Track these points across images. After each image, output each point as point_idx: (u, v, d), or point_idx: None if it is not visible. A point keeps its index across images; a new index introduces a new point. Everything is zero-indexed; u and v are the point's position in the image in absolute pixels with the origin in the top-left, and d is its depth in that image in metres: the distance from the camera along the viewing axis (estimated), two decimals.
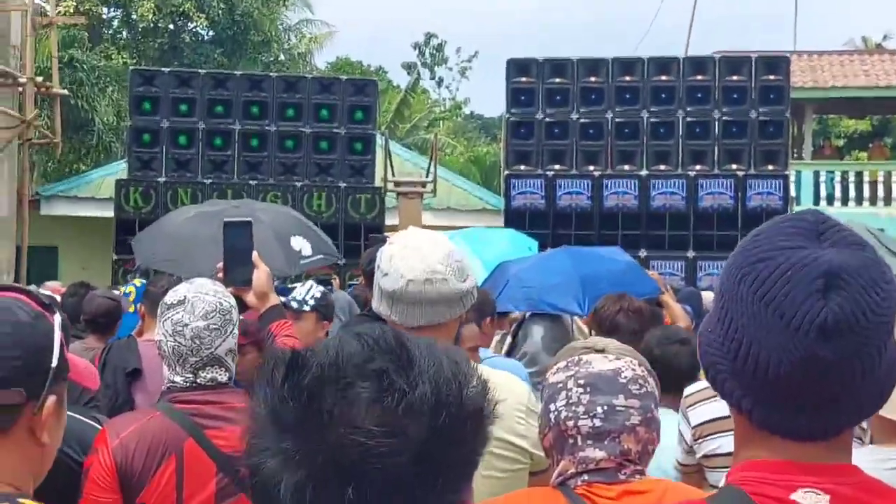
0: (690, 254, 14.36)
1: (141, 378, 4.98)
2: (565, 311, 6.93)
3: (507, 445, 2.83)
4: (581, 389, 2.29)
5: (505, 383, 2.91)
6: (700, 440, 3.95)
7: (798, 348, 1.49)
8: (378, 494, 1.15)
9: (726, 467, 1.86)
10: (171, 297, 3.29)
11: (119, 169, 19.04)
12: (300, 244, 7.10)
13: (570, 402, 2.29)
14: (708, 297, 11.19)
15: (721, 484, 3.87)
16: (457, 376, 1.22)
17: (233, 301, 3.36)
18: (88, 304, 6.73)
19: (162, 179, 14.43)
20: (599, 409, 2.27)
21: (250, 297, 3.68)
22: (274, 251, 6.36)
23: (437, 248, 2.86)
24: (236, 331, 3.31)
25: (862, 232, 10.94)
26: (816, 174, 23.02)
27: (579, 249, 8.72)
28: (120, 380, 4.96)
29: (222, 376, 3.24)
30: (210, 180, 14.49)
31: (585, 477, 2.27)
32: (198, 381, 3.21)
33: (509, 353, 6.64)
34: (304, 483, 1.15)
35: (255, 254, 3.70)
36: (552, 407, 2.32)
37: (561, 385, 2.32)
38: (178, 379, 3.23)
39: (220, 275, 3.64)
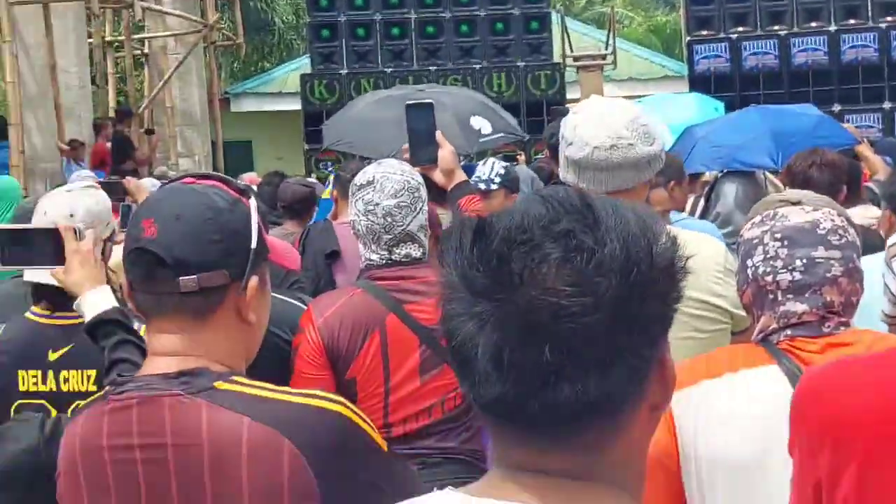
0: (887, 105, 13.86)
1: (340, 259, 5.10)
2: (758, 166, 6.77)
3: (706, 306, 2.81)
4: (778, 243, 2.24)
5: (698, 243, 2.88)
6: None
7: None
8: (573, 353, 1.16)
9: None
10: (360, 178, 3.36)
11: (302, 64, 19.36)
12: (480, 123, 7.15)
13: (768, 256, 2.25)
14: None
15: None
16: (645, 233, 1.21)
17: (420, 179, 3.41)
18: (284, 192, 6.96)
19: (344, 72, 14.63)
20: (798, 262, 2.22)
21: (437, 175, 3.72)
22: (453, 131, 6.41)
23: (621, 114, 2.84)
24: (426, 207, 3.36)
25: None
26: None
27: (769, 107, 8.48)
28: (320, 262, 5.08)
29: (416, 252, 3.30)
30: (391, 69, 14.61)
31: (788, 332, 2.23)
32: (393, 257, 3.28)
33: (703, 216, 6.55)
34: (501, 345, 1.16)
35: (438, 133, 3.75)
36: (749, 263, 2.28)
37: (757, 240, 2.28)
38: (374, 257, 3.30)
39: (407, 156, 3.70)
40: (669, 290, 1.23)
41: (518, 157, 11.66)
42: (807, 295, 2.22)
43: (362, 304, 3.25)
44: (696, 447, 2.19)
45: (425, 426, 3.26)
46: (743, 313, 2.60)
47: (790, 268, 2.23)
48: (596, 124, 2.82)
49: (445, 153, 3.73)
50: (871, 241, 4.45)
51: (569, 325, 1.15)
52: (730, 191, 6.55)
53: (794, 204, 2.29)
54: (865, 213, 5.50)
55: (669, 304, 1.23)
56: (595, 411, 1.18)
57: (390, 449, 1.92)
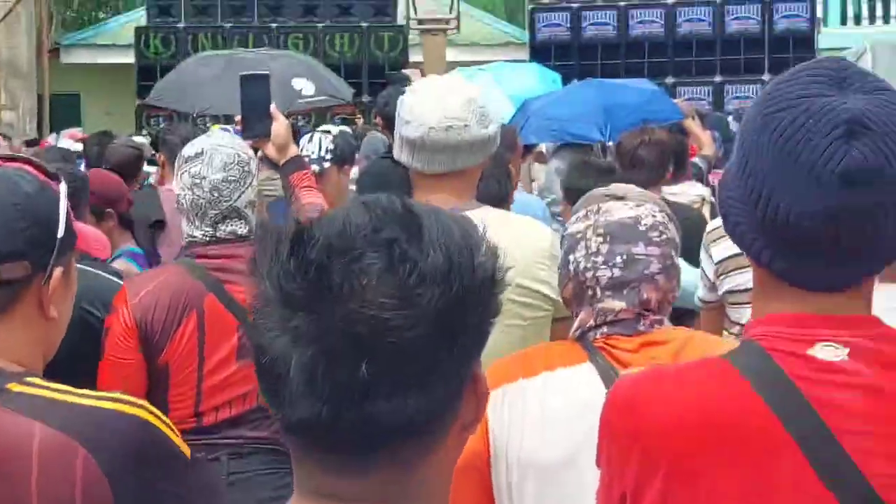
0: (718, 78, 14.26)
1: (165, 230, 4.97)
2: (586, 138, 6.97)
3: (529, 292, 2.81)
4: (600, 239, 2.25)
5: (525, 229, 2.92)
6: (723, 276, 3.93)
7: (820, 196, 1.46)
8: (392, 368, 1.12)
9: (747, 303, 1.85)
10: (188, 149, 3.25)
11: (138, 16, 18.85)
12: (302, 84, 7.23)
13: (590, 252, 2.25)
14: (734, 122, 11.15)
15: (743, 321, 3.89)
16: (468, 243, 1.18)
17: (251, 153, 3.33)
18: (111, 153, 6.76)
19: (181, 25, 14.30)
20: (618, 259, 2.23)
21: (269, 149, 3.67)
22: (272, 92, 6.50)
23: (458, 95, 2.83)
24: (255, 182, 3.28)
25: (890, 52, 10.76)
26: None
27: (603, 81, 8.80)
28: (143, 234, 4.95)
29: (242, 229, 3.20)
30: (230, 24, 14.34)
31: (604, 329, 2.23)
32: (217, 234, 3.18)
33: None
34: (316, 360, 1.12)
35: (272, 106, 3.69)
36: (571, 258, 2.28)
37: (580, 235, 2.28)
38: (197, 233, 3.20)
39: (239, 127, 3.63)
40: (489, 303, 1.19)
41: (357, 119, 11.60)
42: (625, 292, 2.23)
43: (180, 283, 3.13)
44: (509, 447, 2.20)
45: (239, 414, 3.15)
46: None
47: (610, 264, 2.23)
48: (433, 105, 2.81)
49: (279, 127, 3.67)
50: (693, 221, 4.55)
51: (389, 339, 1.11)
52: (554, 163, 6.67)
53: (618, 199, 2.30)
54: (690, 191, 5.63)
55: (488, 317, 1.20)
56: (410, 430, 1.14)
57: (193, 455, 1.85)
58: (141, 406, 1.76)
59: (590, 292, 2.25)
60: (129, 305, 3.09)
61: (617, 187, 2.38)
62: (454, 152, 2.81)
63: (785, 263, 1.53)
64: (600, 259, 2.24)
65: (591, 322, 2.25)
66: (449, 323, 1.14)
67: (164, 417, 1.79)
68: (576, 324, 2.29)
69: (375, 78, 13.96)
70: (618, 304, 2.23)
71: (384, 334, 1.11)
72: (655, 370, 1.68)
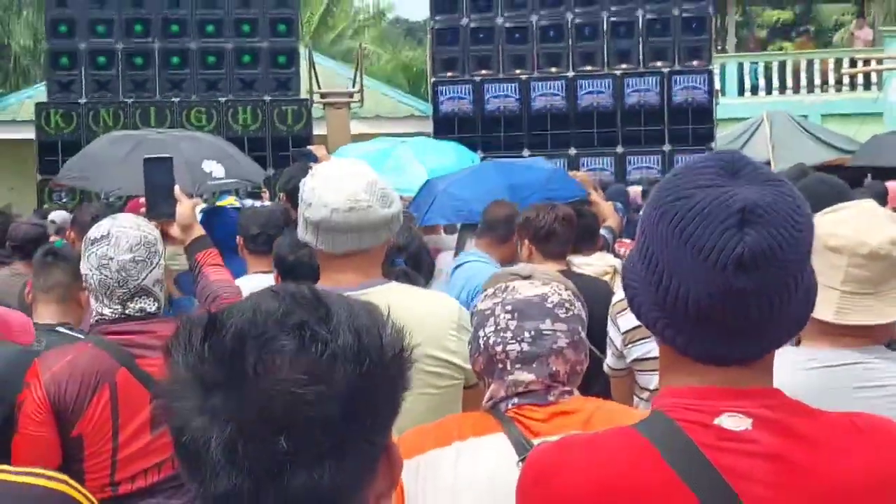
0: (619, 149, 14.49)
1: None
2: None
3: (440, 362, 2.86)
4: (509, 315, 2.33)
5: (433, 303, 2.98)
6: (630, 345, 4.02)
7: (717, 281, 1.54)
8: (310, 440, 1.16)
9: (655, 370, 1.91)
10: (94, 231, 3.29)
11: (38, 92, 18.66)
12: (212, 167, 7.27)
13: (499, 327, 2.33)
14: (635, 190, 11.38)
15: (652, 387, 3.97)
16: (376, 324, 1.24)
17: (157, 234, 3.37)
18: (15, 231, 6.74)
19: (83, 101, 14.20)
20: (527, 334, 2.30)
21: (174, 230, 3.70)
22: (180, 170, 6.49)
23: (359, 177, 2.88)
24: (163, 262, 3.33)
25: (786, 121, 11.14)
26: (741, 66, 23.08)
27: (502, 162, 8.95)
28: None
29: (151, 306, 3.27)
30: (132, 99, 14.28)
31: (516, 400, 2.30)
32: (126, 311, 3.24)
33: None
34: (235, 436, 1.16)
35: (177, 188, 3.74)
36: (481, 333, 2.35)
37: (489, 311, 2.35)
38: (106, 311, 3.25)
39: (144, 210, 3.65)
40: (399, 378, 1.26)
41: (263, 193, 11.59)
42: (534, 365, 2.31)
43: (92, 358, 3.17)
44: None
45: (154, 483, 3.20)
46: None
47: (519, 339, 2.31)
48: (334, 187, 2.85)
49: (183, 208, 3.71)
50: (601, 292, 4.65)
51: (305, 414, 1.15)
52: (468, 244, 6.73)
53: (524, 278, 2.38)
54: (600, 262, 5.74)
55: (399, 391, 1.26)
56: (328, 500, 1.18)
57: None
58: (62, 480, 1.77)
59: (500, 365, 2.32)
60: (41, 381, 3.12)
61: (523, 267, 2.47)
62: (358, 232, 2.85)
63: (687, 341, 1.61)
64: (509, 335, 2.32)
65: (503, 393, 2.31)
66: (362, 398, 1.19)
67: (83, 490, 1.79)
68: (487, 395, 2.35)
69: (280, 150, 13.99)
70: (528, 377, 2.30)
71: (300, 409, 1.16)
72: (567, 440, 1.74)
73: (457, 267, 5.56)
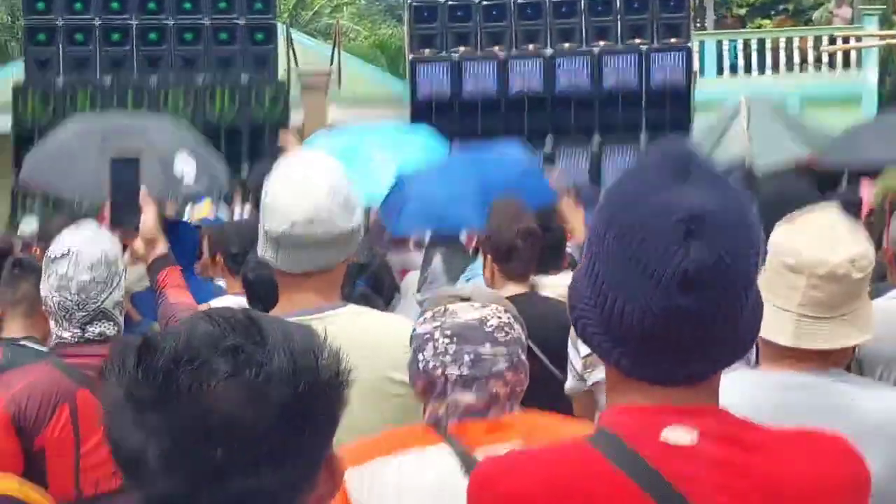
0: (596, 140, 14.49)
1: None
2: (466, 224, 6.72)
3: (392, 382, 2.83)
4: (448, 339, 2.35)
5: (391, 327, 2.86)
6: (590, 369, 3.93)
7: (660, 300, 1.50)
8: (245, 452, 1.21)
9: None
10: (55, 248, 3.28)
11: (18, 69, 18.45)
12: (182, 168, 6.76)
13: (438, 351, 2.35)
14: None
15: None
16: (311, 348, 1.29)
17: (118, 250, 3.32)
18: None
19: (60, 81, 14.15)
20: (466, 358, 2.33)
21: (137, 244, 3.39)
22: (153, 171, 6.05)
23: (321, 180, 2.72)
24: (123, 282, 3.31)
25: (765, 112, 10.67)
26: (719, 44, 22.97)
27: (473, 156, 8.23)
28: None
29: (111, 330, 3.27)
30: (109, 79, 14.23)
31: (455, 419, 2.34)
32: (86, 335, 3.24)
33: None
34: (172, 451, 1.21)
35: (143, 192, 3.42)
36: (420, 357, 2.38)
37: (428, 336, 2.37)
38: (66, 335, 3.26)
39: (106, 218, 3.55)
40: (335, 397, 1.30)
41: (235, 195, 11.55)
42: (474, 388, 2.34)
43: (52, 379, 3.20)
44: None
45: (119, 486, 3.23)
46: None
47: (459, 363, 2.34)
48: (294, 193, 2.69)
49: (147, 218, 3.36)
50: (563, 315, 4.47)
51: (240, 431, 1.20)
52: (437, 259, 6.55)
53: (463, 300, 2.41)
54: (565, 282, 5.48)
55: (335, 409, 1.30)
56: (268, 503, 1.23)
57: None
58: (13, 479, 1.81)
59: (439, 388, 2.36)
60: (2, 400, 3.15)
61: (462, 289, 2.49)
62: (318, 249, 2.71)
63: (633, 362, 1.57)
64: (449, 358, 2.34)
65: (443, 411, 2.35)
66: (298, 416, 1.24)
67: (39, 490, 1.83)
68: (428, 413, 2.38)
69: (257, 139, 13.96)
70: (468, 398, 2.34)
71: (235, 426, 1.21)
72: (517, 450, 1.76)
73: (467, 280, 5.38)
